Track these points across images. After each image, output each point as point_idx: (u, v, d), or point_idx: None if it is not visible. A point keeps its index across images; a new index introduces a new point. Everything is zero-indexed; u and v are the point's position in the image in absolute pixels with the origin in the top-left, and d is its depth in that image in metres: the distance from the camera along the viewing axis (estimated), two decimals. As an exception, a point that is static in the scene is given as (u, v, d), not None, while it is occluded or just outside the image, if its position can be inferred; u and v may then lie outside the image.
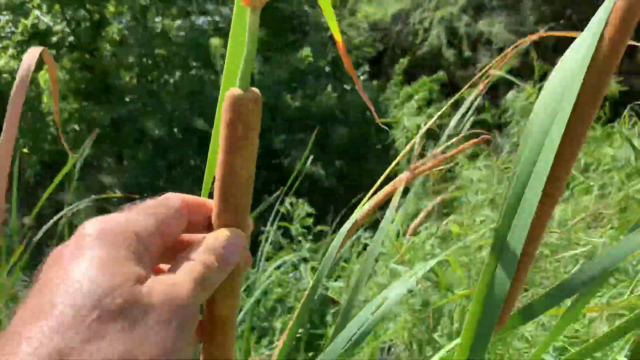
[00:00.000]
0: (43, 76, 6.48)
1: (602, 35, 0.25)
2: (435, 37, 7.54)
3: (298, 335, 1.68)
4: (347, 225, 0.41)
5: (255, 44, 0.28)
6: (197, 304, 0.27)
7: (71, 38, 6.54)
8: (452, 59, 7.26)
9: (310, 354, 1.68)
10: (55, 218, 1.26)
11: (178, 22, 6.94)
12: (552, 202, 0.28)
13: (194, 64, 6.80)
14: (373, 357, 1.28)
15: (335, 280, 1.94)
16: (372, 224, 1.82)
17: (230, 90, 0.28)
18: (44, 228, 1.25)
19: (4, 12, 6.36)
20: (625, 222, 1.02)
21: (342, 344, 0.38)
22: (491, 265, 0.28)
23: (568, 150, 0.26)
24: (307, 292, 0.42)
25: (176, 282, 0.26)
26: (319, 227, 2.22)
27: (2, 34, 6.39)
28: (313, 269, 1.95)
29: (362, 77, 7.51)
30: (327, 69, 7.14)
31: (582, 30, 0.27)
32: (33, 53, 0.58)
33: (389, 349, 1.40)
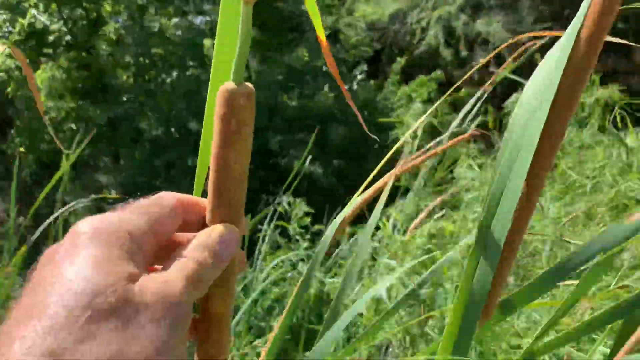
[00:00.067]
0: (40, 75, 6.46)
1: (579, 33, 0.26)
2: (433, 36, 7.55)
3: (297, 334, 1.68)
4: (339, 218, 0.42)
5: (249, 38, 0.27)
6: (190, 301, 0.27)
7: (68, 37, 6.52)
8: (450, 58, 7.28)
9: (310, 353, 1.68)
10: (51, 218, 1.26)
11: (175, 20, 6.94)
12: (533, 195, 0.28)
13: (191, 63, 6.79)
14: (371, 358, 1.29)
15: (333, 277, 1.95)
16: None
17: (223, 85, 0.28)
18: (41, 228, 1.25)
19: (1, 12, 6.34)
20: (617, 219, 1.03)
21: (331, 339, 0.39)
22: (475, 256, 0.28)
23: (547, 146, 0.27)
24: (299, 284, 0.42)
25: (169, 279, 0.26)
26: (316, 227, 2.22)
27: (-1, 33, 6.38)
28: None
29: (360, 76, 7.52)
30: (324, 68, 7.14)
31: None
32: None
33: (387, 348, 1.41)
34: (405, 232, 1.57)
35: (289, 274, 1.98)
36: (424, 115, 0.50)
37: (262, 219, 1.89)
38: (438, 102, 0.45)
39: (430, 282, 1.03)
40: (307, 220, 2.17)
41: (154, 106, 6.43)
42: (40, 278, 0.25)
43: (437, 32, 7.55)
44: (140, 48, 6.57)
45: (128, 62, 6.84)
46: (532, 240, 1.18)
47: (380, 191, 0.43)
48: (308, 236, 2.16)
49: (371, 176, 0.41)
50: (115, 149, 6.97)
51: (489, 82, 0.77)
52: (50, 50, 6.58)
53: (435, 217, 1.48)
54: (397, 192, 2.20)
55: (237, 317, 1.59)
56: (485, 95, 0.83)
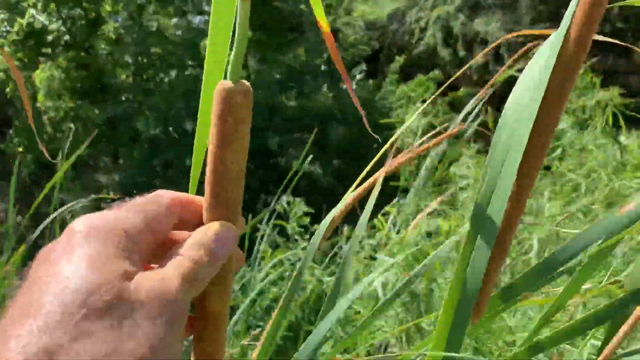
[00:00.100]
0: (38, 75, 6.46)
1: (568, 30, 0.26)
2: (431, 36, 7.56)
3: (296, 334, 1.68)
4: (329, 216, 0.42)
5: (246, 35, 0.27)
6: (187, 299, 0.27)
7: (67, 37, 6.52)
8: (448, 58, 7.29)
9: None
10: (50, 218, 1.26)
11: (175, 20, 6.94)
12: (523, 195, 0.29)
13: (190, 63, 6.78)
14: (370, 356, 1.29)
15: (331, 275, 1.95)
16: (370, 226, 1.84)
17: (220, 84, 0.28)
18: (40, 228, 1.25)
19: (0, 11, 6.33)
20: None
21: (324, 332, 0.39)
22: (466, 254, 0.29)
23: (537, 145, 0.27)
24: (291, 280, 0.43)
25: (165, 277, 0.26)
26: (315, 226, 2.21)
27: (-2, 33, 6.37)
28: (311, 267, 1.96)
29: (359, 76, 7.51)
30: (322, 67, 7.14)
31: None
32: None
33: (386, 347, 1.41)
34: (402, 231, 1.57)
35: (288, 274, 1.98)
36: (416, 112, 0.50)
37: (261, 217, 1.89)
38: (430, 100, 0.45)
39: (425, 277, 1.03)
40: (306, 219, 2.17)
41: (152, 106, 6.42)
42: (36, 277, 0.25)
43: (436, 31, 7.56)
44: (139, 47, 6.57)
45: (127, 61, 6.84)
46: (525, 238, 1.18)
47: (371, 188, 0.43)
48: (307, 236, 2.15)
49: (364, 173, 0.41)
50: (114, 149, 6.97)
51: (489, 83, 0.77)
52: (49, 50, 6.57)
53: (430, 215, 1.49)
54: (397, 192, 2.20)
55: (235, 317, 1.59)
56: (487, 96, 0.83)
